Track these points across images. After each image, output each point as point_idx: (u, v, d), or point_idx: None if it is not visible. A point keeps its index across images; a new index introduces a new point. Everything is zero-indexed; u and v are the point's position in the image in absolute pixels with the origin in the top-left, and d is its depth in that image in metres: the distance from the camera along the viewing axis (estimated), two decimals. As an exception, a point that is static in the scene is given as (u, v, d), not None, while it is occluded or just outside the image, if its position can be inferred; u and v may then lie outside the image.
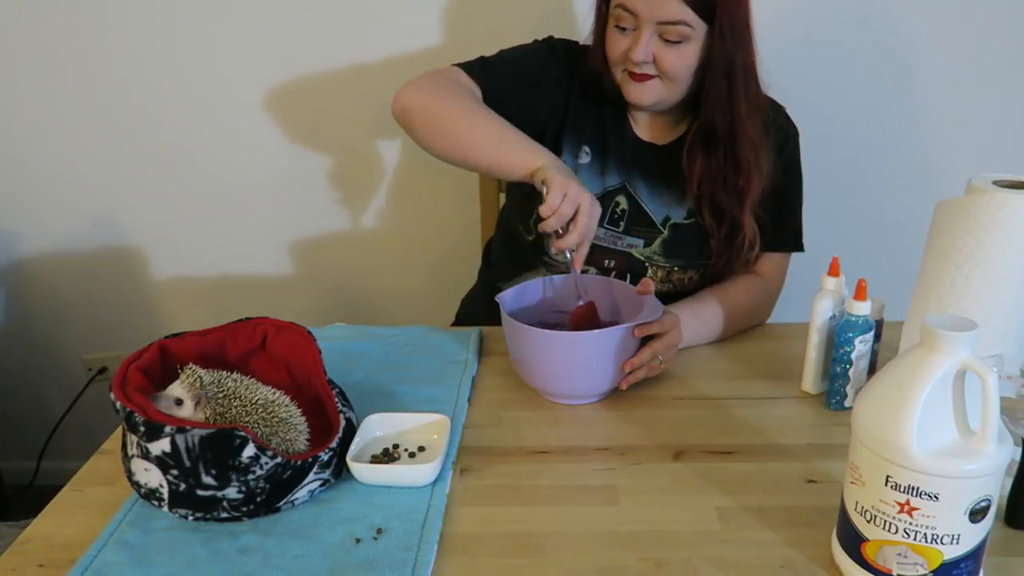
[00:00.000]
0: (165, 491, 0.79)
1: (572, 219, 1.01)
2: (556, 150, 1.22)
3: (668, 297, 1.20)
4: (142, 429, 0.77)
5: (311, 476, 0.82)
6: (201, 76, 1.64)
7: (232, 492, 0.78)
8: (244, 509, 0.79)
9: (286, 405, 0.86)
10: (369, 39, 1.60)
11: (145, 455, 0.78)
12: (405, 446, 0.91)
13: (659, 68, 1.12)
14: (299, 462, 0.81)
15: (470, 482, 0.88)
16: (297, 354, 0.95)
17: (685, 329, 1.09)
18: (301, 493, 0.82)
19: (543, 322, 1.06)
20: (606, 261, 1.24)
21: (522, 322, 1.00)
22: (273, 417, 0.83)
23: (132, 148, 1.70)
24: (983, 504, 0.65)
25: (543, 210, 1.00)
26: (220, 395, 0.83)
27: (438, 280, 1.81)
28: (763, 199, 1.20)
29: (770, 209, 1.22)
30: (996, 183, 0.86)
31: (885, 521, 0.67)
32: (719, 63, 1.11)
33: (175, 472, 0.77)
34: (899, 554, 0.68)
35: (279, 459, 0.79)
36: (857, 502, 0.70)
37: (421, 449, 0.91)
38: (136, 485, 0.81)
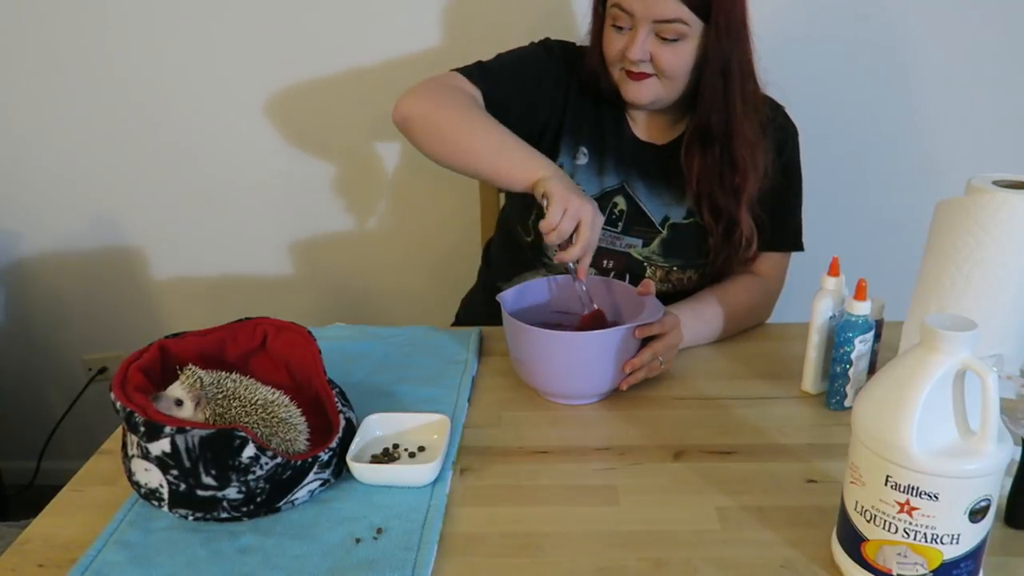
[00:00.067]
0: (165, 491, 0.79)
1: (574, 232, 1.00)
2: (554, 151, 1.23)
3: (667, 297, 1.20)
4: (142, 429, 0.77)
5: (311, 476, 0.82)
6: (201, 76, 1.64)
7: (232, 492, 0.78)
8: (244, 509, 0.79)
9: (286, 405, 0.86)
10: (369, 40, 1.60)
11: (145, 455, 0.78)
12: (405, 446, 0.91)
13: (656, 67, 1.12)
14: (299, 462, 0.81)
15: (470, 482, 0.88)
16: (297, 354, 0.95)
17: (685, 330, 1.09)
18: (301, 493, 0.82)
19: (544, 322, 1.06)
20: (605, 261, 1.24)
21: (523, 322, 1.00)
22: (273, 417, 0.83)
23: (132, 148, 1.70)
24: (983, 504, 0.65)
25: (543, 226, 0.99)
26: (220, 395, 0.83)
27: (438, 280, 1.81)
28: (762, 198, 1.20)
29: (769, 209, 1.22)
30: (996, 183, 0.86)
31: (885, 521, 0.67)
32: (715, 61, 1.12)
33: (175, 472, 0.77)
34: (899, 554, 0.68)
35: (279, 459, 0.79)
36: (857, 502, 0.70)
37: (421, 449, 0.91)
38: (136, 485, 0.81)
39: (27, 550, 0.78)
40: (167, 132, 1.69)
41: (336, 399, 0.91)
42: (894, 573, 0.68)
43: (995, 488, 0.66)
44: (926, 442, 0.64)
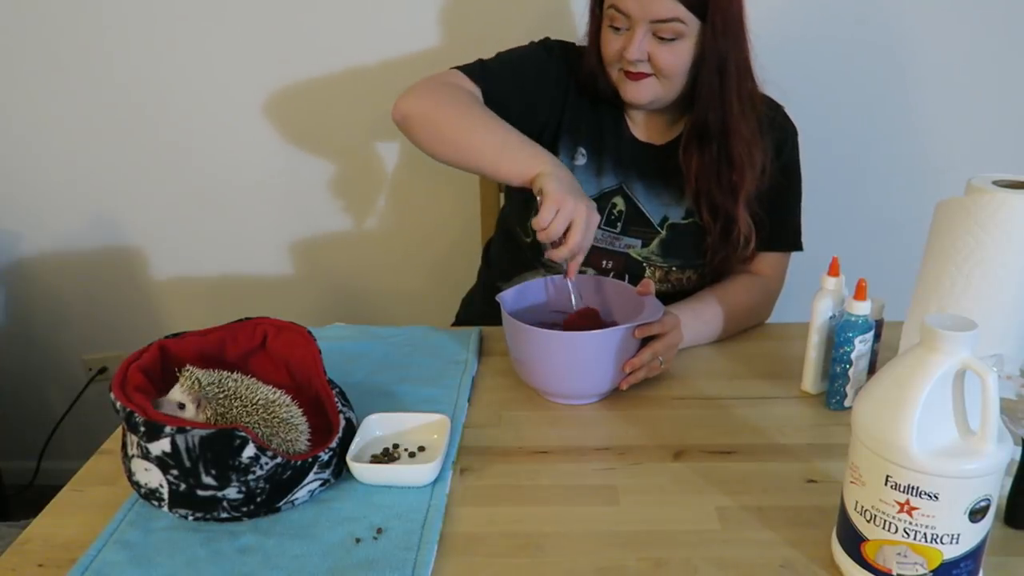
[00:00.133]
0: (165, 491, 0.79)
1: (567, 232, 0.99)
2: (552, 151, 1.22)
3: (667, 297, 1.20)
4: (142, 429, 0.77)
5: (311, 476, 0.82)
6: (201, 76, 1.64)
7: (232, 492, 0.78)
8: (244, 509, 0.79)
9: (287, 405, 0.86)
10: (368, 40, 1.60)
11: (145, 455, 0.78)
12: (405, 446, 0.91)
13: (654, 66, 1.12)
14: (299, 462, 0.81)
15: (470, 482, 0.88)
16: (297, 354, 0.95)
17: (685, 329, 1.09)
18: (301, 493, 0.82)
19: (543, 322, 1.06)
20: (604, 262, 1.24)
21: (522, 322, 1.00)
22: (274, 417, 0.83)
23: (132, 148, 1.70)
24: (983, 504, 0.65)
25: (534, 223, 0.99)
26: (221, 395, 0.83)
27: (438, 280, 1.81)
28: (761, 198, 1.20)
29: (769, 208, 1.22)
30: (996, 183, 0.86)
31: (885, 521, 0.67)
32: (711, 59, 1.12)
33: (175, 472, 0.77)
34: (899, 554, 0.68)
35: (279, 459, 0.79)
36: (857, 502, 0.70)
37: (421, 449, 0.91)
38: (136, 485, 0.81)
39: (27, 550, 0.78)
40: (167, 132, 1.69)
41: (336, 399, 0.91)
42: (894, 573, 0.69)
43: (995, 488, 0.66)
44: (926, 442, 0.64)
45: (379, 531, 0.79)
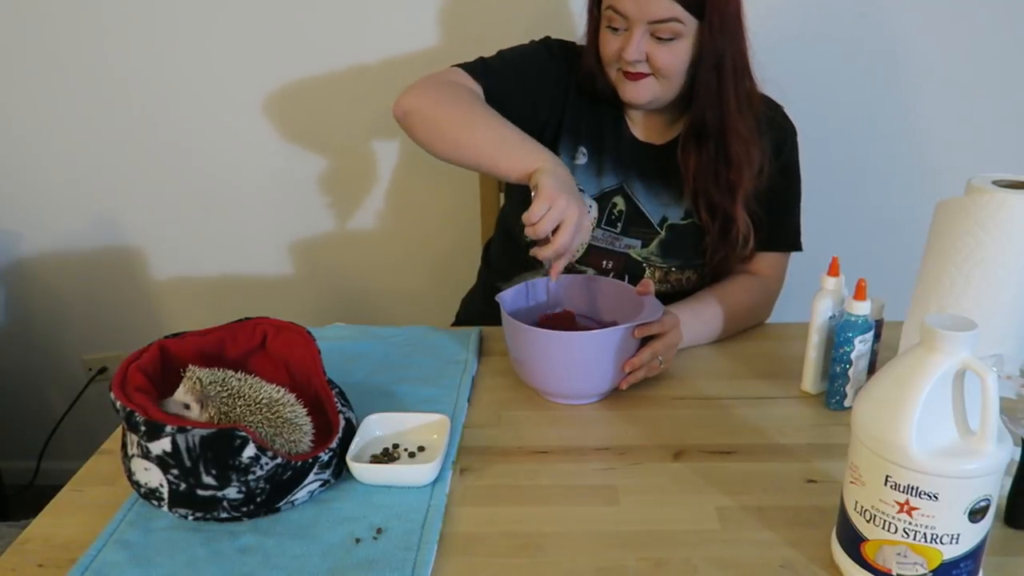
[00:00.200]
0: (165, 491, 0.79)
1: (555, 231, 0.98)
2: (553, 150, 1.22)
3: (666, 298, 1.20)
4: (143, 429, 0.77)
5: (311, 477, 0.82)
6: (201, 76, 1.64)
7: (232, 492, 0.78)
8: (244, 509, 0.79)
9: (291, 405, 0.86)
10: (367, 39, 1.60)
11: (146, 455, 0.78)
12: (405, 446, 0.91)
13: (652, 66, 1.12)
14: (299, 463, 0.81)
15: (470, 482, 0.88)
16: (297, 354, 0.95)
17: (685, 329, 1.09)
18: (301, 494, 0.82)
19: (543, 313, 1.06)
20: (604, 262, 1.24)
21: (522, 322, 1.00)
22: (278, 417, 0.83)
23: (132, 148, 1.70)
24: (983, 504, 0.65)
25: (524, 218, 0.97)
26: (224, 394, 0.83)
27: (438, 280, 1.81)
28: (760, 198, 1.20)
29: (768, 208, 1.22)
30: (996, 183, 0.86)
31: (885, 521, 0.67)
32: (708, 58, 1.12)
33: (175, 472, 0.77)
34: (899, 554, 0.68)
35: (279, 460, 0.79)
36: (857, 502, 0.70)
37: (421, 449, 0.91)
38: (136, 485, 0.81)
39: (27, 550, 0.78)
40: (167, 132, 1.69)
41: (336, 399, 0.91)
42: (894, 573, 0.69)
43: (995, 488, 0.66)
44: (926, 442, 0.64)
45: (379, 531, 0.79)
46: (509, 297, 1.08)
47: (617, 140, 1.24)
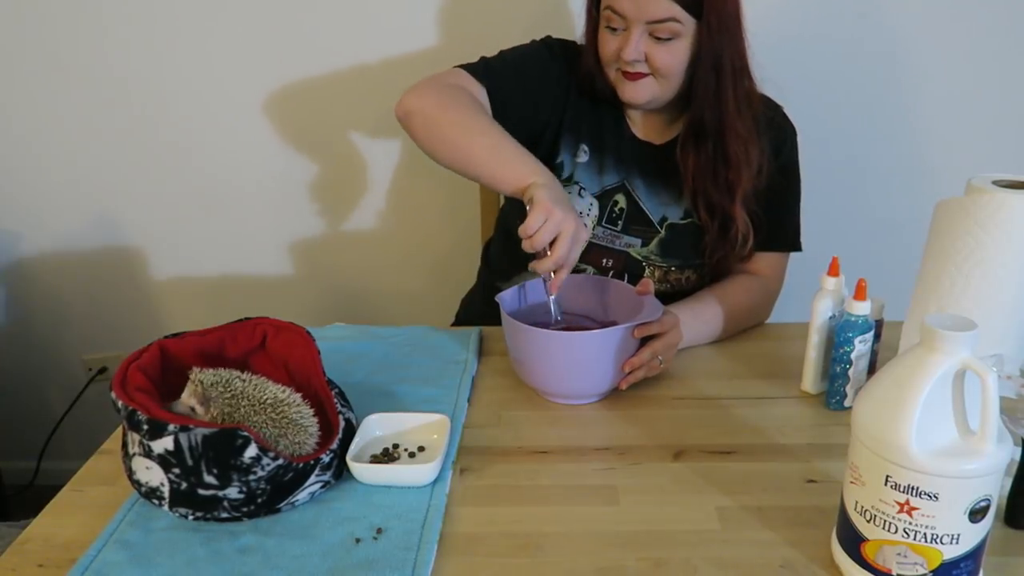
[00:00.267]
0: (166, 490, 0.79)
1: (552, 244, 0.97)
2: (554, 149, 1.23)
3: (666, 297, 1.20)
4: (145, 427, 0.77)
5: (312, 478, 0.82)
6: (201, 76, 1.64)
7: (233, 492, 0.78)
8: (244, 509, 0.79)
9: (297, 405, 0.85)
10: (367, 40, 1.60)
11: (147, 453, 0.78)
12: (405, 446, 0.91)
13: (651, 66, 1.13)
14: (300, 464, 0.81)
15: (470, 482, 0.88)
16: (296, 354, 0.95)
17: (685, 329, 1.09)
18: (302, 495, 0.82)
19: (543, 322, 1.06)
20: (604, 260, 1.25)
21: (522, 322, 1.00)
22: (283, 418, 0.83)
23: (132, 148, 1.70)
24: (983, 504, 0.65)
25: (520, 231, 0.97)
26: (227, 395, 0.82)
27: (438, 280, 1.81)
28: (759, 197, 1.20)
29: (768, 208, 1.22)
30: (996, 183, 0.86)
31: (885, 521, 0.67)
32: (707, 57, 1.12)
33: (177, 471, 0.77)
34: (899, 554, 0.68)
35: (281, 460, 0.79)
36: (857, 502, 0.70)
37: (421, 449, 0.91)
38: (137, 484, 0.81)
39: (27, 550, 0.78)
40: (167, 132, 1.69)
41: (335, 399, 0.91)
42: (894, 573, 0.69)
43: (995, 488, 0.66)
44: (926, 442, 0.64)
45: (379, 531, 0.79)
46: (509, 297, 1.08)
47: (618, 139, 1.24)
